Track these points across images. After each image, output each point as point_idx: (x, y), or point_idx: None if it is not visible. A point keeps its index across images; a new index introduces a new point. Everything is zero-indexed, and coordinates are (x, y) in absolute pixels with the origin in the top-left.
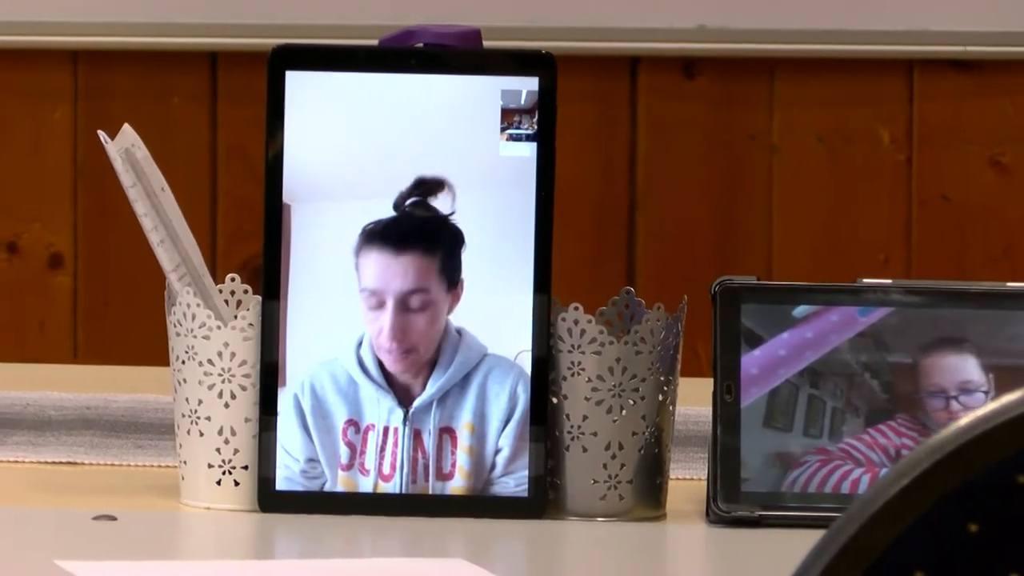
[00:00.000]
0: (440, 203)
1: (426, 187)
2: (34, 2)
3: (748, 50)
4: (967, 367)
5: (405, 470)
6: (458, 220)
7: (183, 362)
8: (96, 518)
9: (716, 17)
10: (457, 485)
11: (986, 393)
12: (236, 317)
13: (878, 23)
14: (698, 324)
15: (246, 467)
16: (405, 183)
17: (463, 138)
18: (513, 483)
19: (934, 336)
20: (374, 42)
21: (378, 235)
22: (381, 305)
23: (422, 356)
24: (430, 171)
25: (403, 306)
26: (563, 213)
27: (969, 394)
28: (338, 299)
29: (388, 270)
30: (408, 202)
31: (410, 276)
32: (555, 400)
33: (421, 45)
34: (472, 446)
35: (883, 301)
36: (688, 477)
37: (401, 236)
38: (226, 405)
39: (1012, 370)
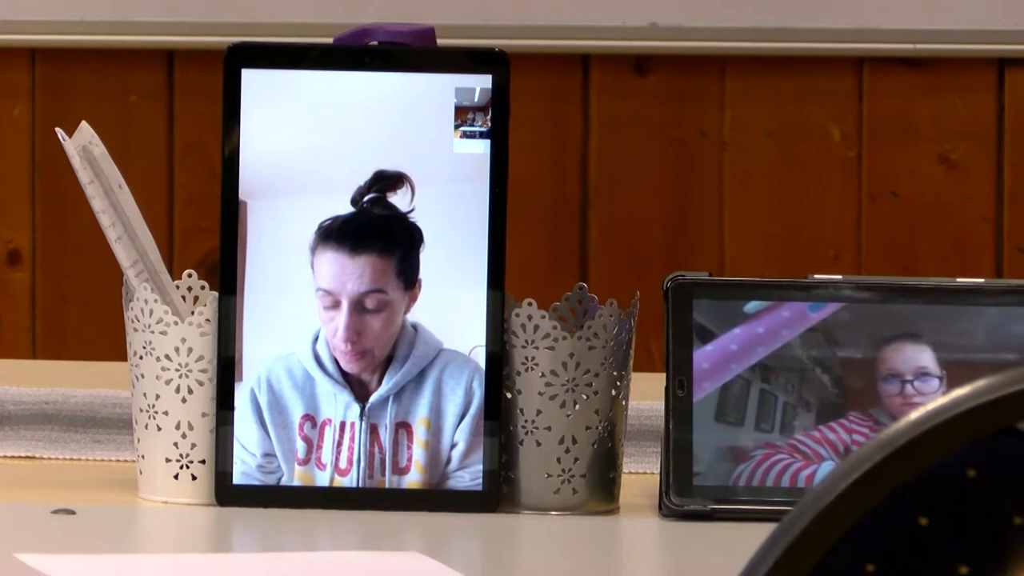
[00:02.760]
0: (399, 199)
1: (385, 182)
2: None
3: (699, 48)
4: (923, 356)
5: (362, 465)
6: (415, 216)
7: (141, 357)
8: (55, 512)
9: (668, 15)
10: (413, 479)
11: (940, 379)
12: (193, 313)
13: (828, 21)
14: (650, 320)
15: (203, 461)
16: (360, 179)
17: (417, 135)
18: (468, 477)
19: (886, 331)
20: (329, 40)
21: (334, 234)
22: (336, 306)
23: (377, 357)
24: (385, 168)
25: (358, 307)
26: (516, 209)
27: (924, 380)
28: (295, 295)
29: (343, 271)
30: (366, 198)
31: (366, 277)
32: (509, 395)
33: (376, 43)
34: (428, 441)
35: (833, 297)
36: (641, 471)
37: (358, 235)
38: (183, 400)
39: (962, 365)
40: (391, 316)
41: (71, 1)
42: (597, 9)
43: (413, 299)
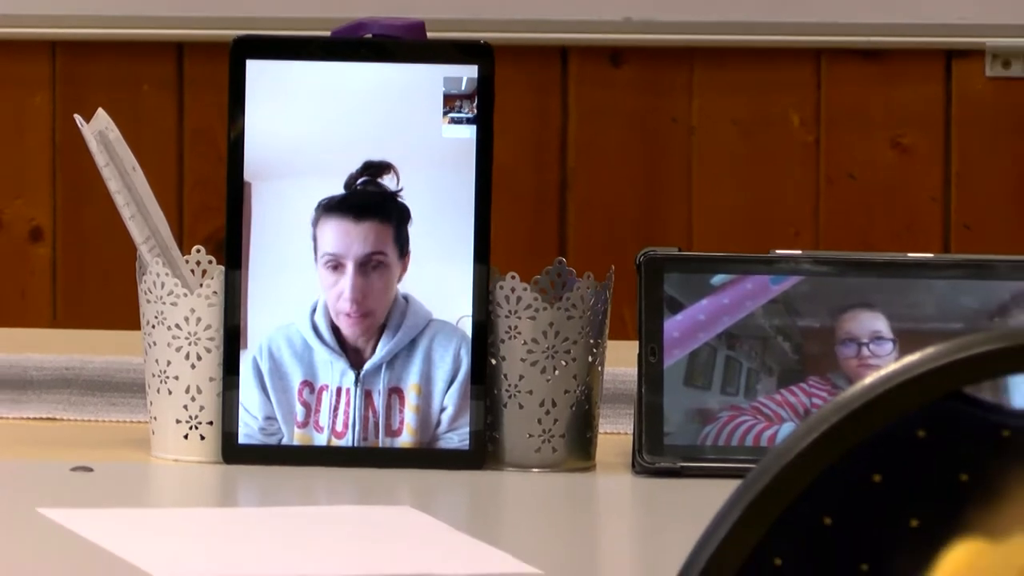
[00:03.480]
0: (387, 183)
1: (373, 169)
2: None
3: (670, 40)
4: (877, 322)
5: (357, 428)
6: (404, 197)
7: (153, 327)
8: (74, 469)
9: (641, 10)
10: (405, 440)
11: (894, 342)
12: (201, 285)
13: (789, 16)
14: (624, 291)
15: (211, 423)
16: (356, 163)
17: (409, 121)
18: (456, 438)
19: (842, 302)
20: (327, 33)
21: (336, 206)
22: (340, 268)
23: (377, 319)
24: (379, 152)
25: (363, 269)
26: (500, 190)
27: (879, 343)
28: (295, 269)
29: (348, 235)
30: (359, 181)
31: (369, 240)
32: (494, 361)
33: (370, 36)
34: (419, 405)
35: (794, 270)
36: (615, 431)
37: (359, 206)
38: (192, 366)
39: (913, 333)
40: (390, 279)
41: None
42: (575, 5)
43: (404, 268)
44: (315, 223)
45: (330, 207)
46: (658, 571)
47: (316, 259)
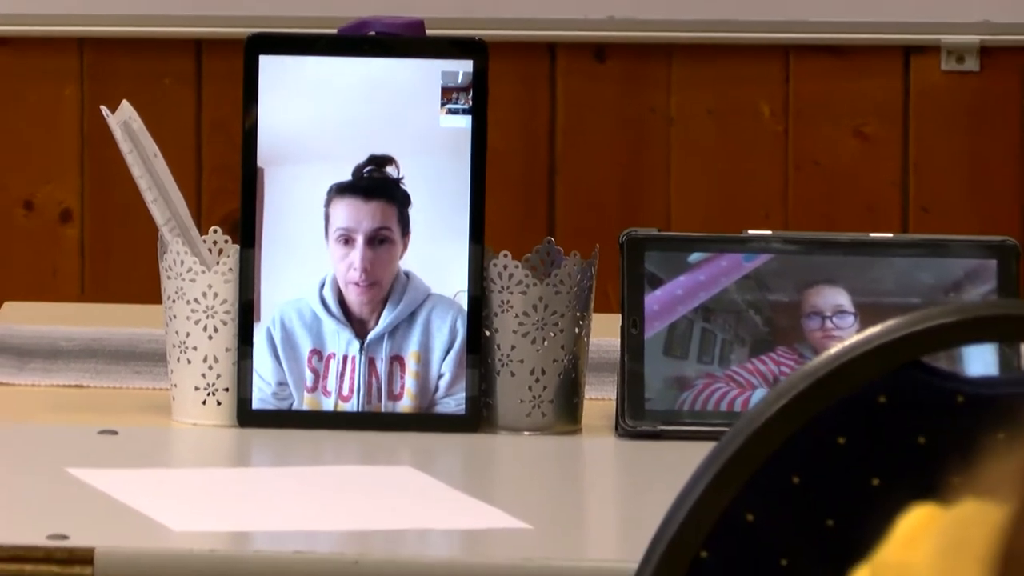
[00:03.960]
0: (390, 171)
1: (378, 160)
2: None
3: (650, 38)
4: (840, 296)
5: (361, 392)
6: (405, 183)
7: (173, 301)
8: (100, 433)
9: (623, 9)
10: (405, 405)
11: (855, 316)
12: (218, 263)
13: (760, 15)
14: (608, 268)
15: (227, 389)
16: (361, 150)
17: (409, 112)
18: (453, 403)
19: (808, 278)
20: (334, 31)
21: (348, 188)
22: (351, 242)
23: (382, 289)
24: (381, 139)
25: (371, 242)
26: (493, 175)
27: (842, 316)
28: (304, 247)
29: (359, 212)
30: (365, 171)
31: (377, 216)
32: (488, 333)
33: (373, 33)
34: (418, 372)
35: (765, 249)
36: (600, 397)
37: (368, 188)
38: (210, 337)
39: (874, 307)
40: (394, 252)
41: None
42: (562, 4)
43: (405, 247)
44: (327, 203)
45: (342, 188)
46: (639, 527)
47: (327, 235)
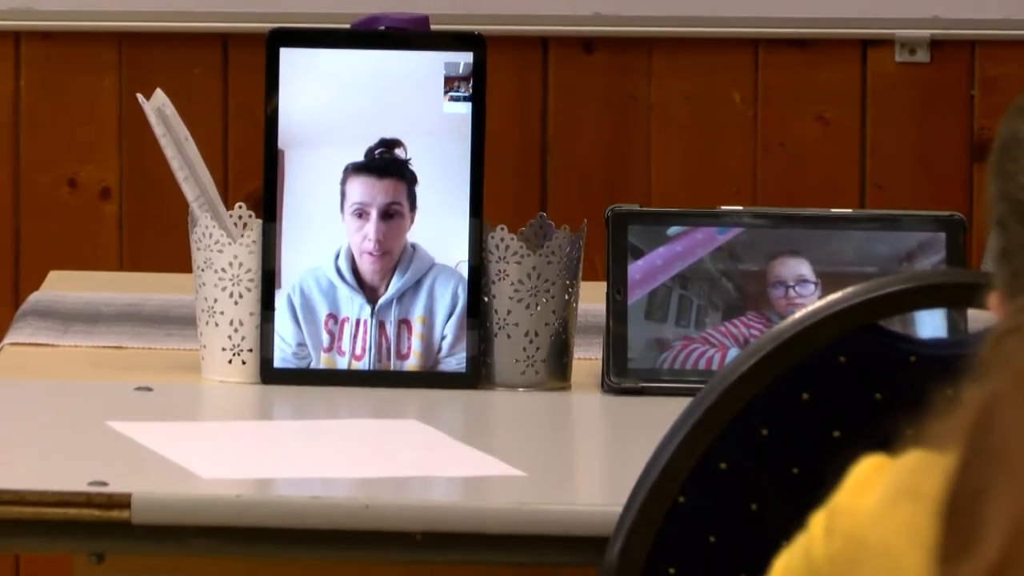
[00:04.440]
0: (399, 153)
1: (387, 143)
2: None
3: (632, 31)
4: (803, 267)
5: (372, 352)
6: (411, 164)
7: (202, 270)
8: (136, 389)
9: (608, 6)
10: (412, 363)
11: (816, 285)
12: (243, 236)
13: (732, 11)
14: (595, 241)
15: (251, 350)
16: (372, 134)
17: (415, 99)
18: (455, 362)
19: (775, 249)
20: (347, 25)
21: (363, 167)
22: (365, 216)
23: (392, 259)
24: (390, 123)
25: (384, 215)
26: (491, 156)
27: (803, 285)
28: (320, 222)
29: (373, 188)
30: (377, 152)
31: (389, 192)
32: (486, 299)
33: (383, 28)
34: (423, 334)
35: (736, 223)
36: (587, 357)
37: (380, 167)
38: (235, 303)
39: (835, 275)
40: (403, 225)
41: None
42: (553, 1)
43: (412, 221)
44: (343, 181)
45: (357, 167)
46: (623, 474)
47: (343, 209)
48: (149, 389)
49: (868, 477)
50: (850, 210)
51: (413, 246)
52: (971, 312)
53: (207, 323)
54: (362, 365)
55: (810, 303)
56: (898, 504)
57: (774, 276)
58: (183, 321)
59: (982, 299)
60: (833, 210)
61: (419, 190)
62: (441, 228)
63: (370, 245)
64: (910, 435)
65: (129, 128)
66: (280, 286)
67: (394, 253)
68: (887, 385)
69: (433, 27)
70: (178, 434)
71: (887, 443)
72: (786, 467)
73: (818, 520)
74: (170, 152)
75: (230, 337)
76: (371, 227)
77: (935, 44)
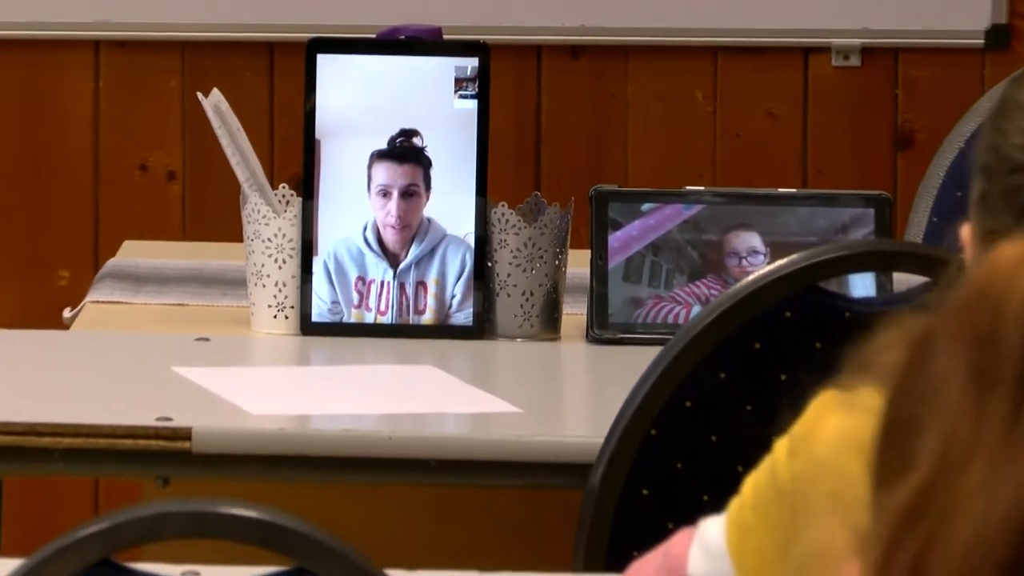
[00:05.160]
0: (416, 142)
1: (407, 133)
2: (156, 11)
3: (613, 40)
4: (753, 240)
5: (394, 309)
6: (427, 151)
7: (252, 240)
8: (196, 340)
9: (593, 19)
10: (427, 318)
11: (765, 255)
12: (285, 211)
13: (696, 23)
14: (581, 215)
15: (293, 307)
16: (394, 127)
17: (430, 97)
18: (463, 317)
19: (731, 222)
20: (374, 35)
21: (386, 154)
22: (388, 195)
23: (411, 231)
24: (409, 118)
25: (404, 195)
26: (494, 145)
27: (754, 256)
28: (351, 200)
29: (395, 172)
30: (397, 140)
31: (408, 175)
32: (489, 264)
33: (403, 37)
34: (436, 293)
35: (698, 200)
36: (574, 313)
37: (400, 154)
38: (279, 267)
39: (781, 244)
40: (420, 203)
41: (207, 11)
42: (547, 15)
43: (427, 199)
44: (370, 165)
45: (382, 154)
46: (604, 411)
47: (370, 190)
48: (207, 340)
49: (824, 408)
50: (794, 190)
51: (428, 220)
52: (896, 275)
53: (256, 284)
54: (385, 319)
55: (760, 268)
56: (849, 431)
57: (730, 247)
58: (236, 283)
59: (906, 265)
60: (780, 190)
61: (433, 173)
62: (452, 205)
63: (392, 220)
64: (848, 375)
65: (191, 121)
66: (317, 253)
67: (412, 226)
68: (826, 336)
69: (445, 36)
70: (231, 377)
71: (826, 384)
72: (741, 405)
73: (781, 445)
74: (225, 141)
75: (275, 296)
76: (393, 205)
77: (865, 51)
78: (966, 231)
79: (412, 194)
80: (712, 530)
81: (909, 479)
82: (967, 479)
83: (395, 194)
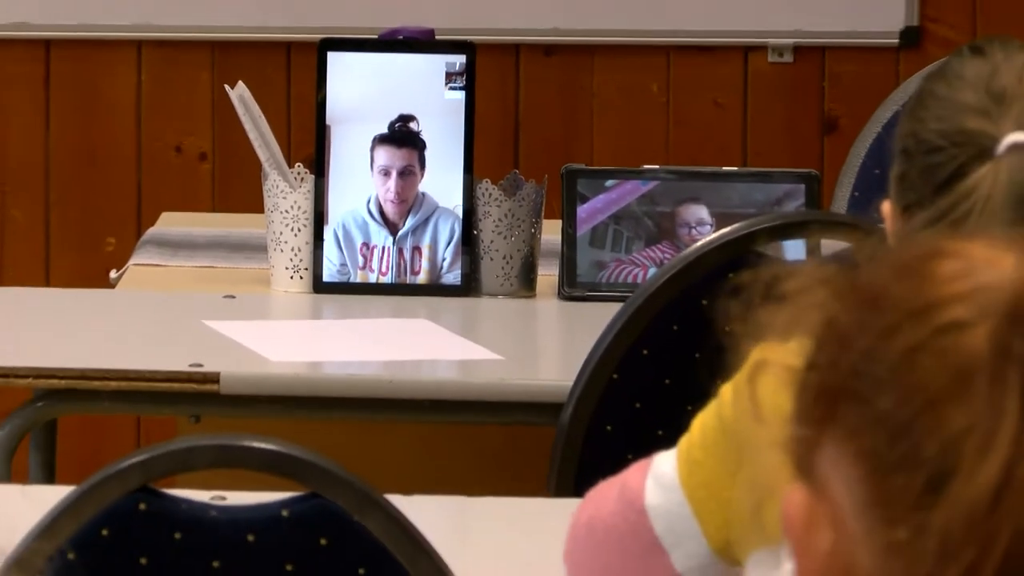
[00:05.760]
0: (412, 126)
1: (404, 118)
2: (190, 15)
3: (581, 40)
4: (701, 212)
5: (393, 270)
6: (422, 134)
7: (271, 211)
8: (224, 297)
9: (564, 22)
10: (421, 278)
11: (711, 225)
12: (300, 186)
13: (652, 25)
14: (554, 190)
15: (307, 269)
16: (393, 113)
17: (424, 89)
18: (452, 277)
19: (681, 196)
20: (376, 36)
21: (387, 138)
22: (388, 174)
23: (408, 204)
24: (407, 106)
25: (401, 174)
26: (479, 130)
27: (702, 227)
28: (357, 177)
29: (394, 155)
30: (396, 125)
31: (405, 158)
32: (475, 232)
33: (402, 37)
34: (430, 257)
35: (654, 177)
36: (548, 274)
37: (399, 139)
38: (295, 235)
39: (725, 215)
40: (415, 181)
41: (235, 14)
42: (524, 18)
43: (422, 176)
44: (372, 148)
45: (383, 139)
46: (573, 357)
47: (372, 169)
48: (233, 297)
49: (763, 358)
50: (735, 168)
51: (423, 194)
52: (824, 241)
53: (275, 249)
54: (386, 279)
55: (707, 236)
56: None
57: (681, 218)
58: (257, 248)
59: (832, 232)
60: (723, 168)
61: (427, 154)
62: (443, 181)
63: (391, 195)
64: (781, 326)
65: (219, 110)
66: (327, 223)
67: (409, 200)
68: (764, 292)
69: (437, 37)
70: (254, 329)
71: (768, 334)
72: (691, 354)
73: (726, 389)
74: (248, 126)
75: (291, 259)
76: (392, 183)
77: (797, 49)
78: (886, 206)
79: (409, 173)
80: (664, 465)
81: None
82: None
83: (394, 174)
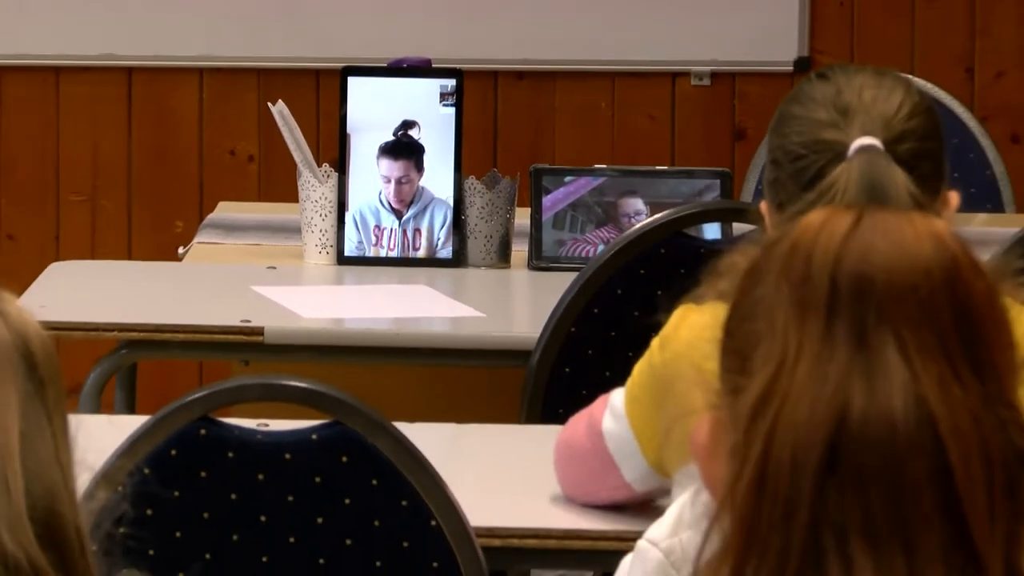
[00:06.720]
0: (413, 133)
1: (407, 126)
2: (241, 47)
3: (546, 67)
4: (638, 204)
5: (398, 247)
6: (422, 141)
7: (304, 201)
8: (267, 268)
9: (532, 53)
10: (421, 253)
11: (646, 213)
12: (327, 182)
13: (600, 56)
14: (525, 184)
15: (332, 246)
16: (398, 122)
17: (424, 106)
18: (445, 253)
19: (623, 190)
20: (385, 64)
21: (388, 150)
22: (389, 181)
23: (406, 199)
24: (409, 118)
25: (399, 182)
26: (467, 139)
27: (639, 215)
28: (370, 175)
29: (392, 166)
30: (399, 133)
31: (401, 168)
32: (463, 217)
33: (406, 65)
34: (428, 237)
35: (602, 175)
36: (520, 249)
37: (397, 151)
38: (323, 219)
39: (657, 204)
40: (412, 186)
41: (276, 47)
42: (501, 51)
43: (421, 175)
44: (377, 157)
45: (384, 150)
46: (541, 313)
47: (379, 174)
48: (274, 268)
49: (683, 314)
50: (665, 167)
51: (422, 188)
52: (735, 225)
53: (307, 231)
54: (394, 254)
55: (643, 221)
56: (701, 328)
57: (622, 208)
58: (293, 230)
59: (742, 218)
60: (656, 167)
61: (426, 157)
62: (438, 178)
63: (393, 196)
64: (701, 294)
65: (264, 122)
66: (348, 210)
67: (407, 199)
68: (687, 267)
69: (433, 65)
70: (290, 293)
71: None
72: (631, 312)
73: (655, 343)
74: (286, 135)
75: (320, 239)
76: (392, 188)
77: (714, 75)
78: (763, 205)
79: (407, 181)
80: (616, 399)
81: (758, 375)
82: (799, 374)
83: (392, 181)
